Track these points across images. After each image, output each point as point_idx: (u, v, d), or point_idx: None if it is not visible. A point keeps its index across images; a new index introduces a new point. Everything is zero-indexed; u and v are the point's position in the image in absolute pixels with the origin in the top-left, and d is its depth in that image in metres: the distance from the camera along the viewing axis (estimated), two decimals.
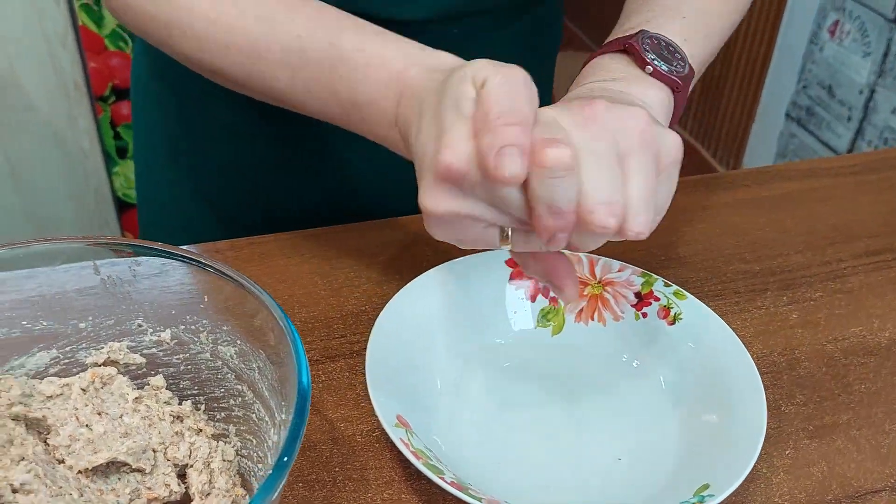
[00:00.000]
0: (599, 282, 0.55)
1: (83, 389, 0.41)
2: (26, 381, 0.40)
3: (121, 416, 0.41)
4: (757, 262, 0.63)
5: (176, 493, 0.40)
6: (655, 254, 0.62)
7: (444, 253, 0.58)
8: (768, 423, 0.44)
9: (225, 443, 0.42)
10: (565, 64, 0.78)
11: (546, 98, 0.76)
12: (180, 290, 0.43)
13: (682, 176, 0.43)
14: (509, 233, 0.40)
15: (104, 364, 0.43)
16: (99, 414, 0.40)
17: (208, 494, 0.40)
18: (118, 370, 0.43)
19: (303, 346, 0.37)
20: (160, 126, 0.73)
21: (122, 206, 1.68)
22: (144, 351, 0.44)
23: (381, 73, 0.45)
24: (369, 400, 0.44)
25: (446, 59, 0.44)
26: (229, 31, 0.49)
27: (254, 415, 0.42)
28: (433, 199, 0.38)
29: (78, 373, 0.42)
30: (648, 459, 0.46)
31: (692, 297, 0.53)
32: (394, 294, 0.51)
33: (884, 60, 1.55)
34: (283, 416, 0.38)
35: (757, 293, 0.59)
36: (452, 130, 0.37)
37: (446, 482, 0.40)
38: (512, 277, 0.55)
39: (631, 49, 0.49)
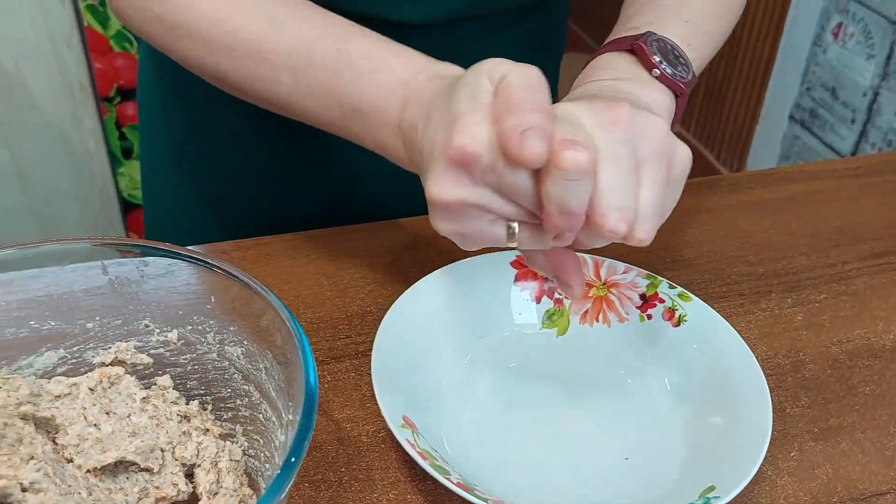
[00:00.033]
0: (604, 283, 0.55)
1: (91, 389, 0.41)
2: (34, 381, 0.41)
3: (128, 416, 0.41)
4: (761, 264, 0.63)
5: (184, 492, 0.40)
6: (660, 255, 0.62)
7: (449, 254, 0.58)
8: (773, 425, 0.44)
9: (232, 443, 0.42)
10: (569, 65, 0.79)
11: (552, 100, 0.76)
12: (187, 291, 0.43)
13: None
14: (516, 229, 0.39)
15: (112, 364, 0.43)
16: (107, 413, 0.41)
17: (216, 494, 0.40)
18: (125, 370, 0.43)
19: (310, 347, 0.37)
20: (165, 129, 0.73)
21: (126, 206, 1.68)
22: (151, 351, 0.44)
23: (388, 79, 0.45)
24: (374, 400, 0.44)
25: (453, 69, 0.44)
26: (235, 32, 0.49)
27: (261, 415, 0.42)
28: (441, 187, 0.38)
29: (86, 372, 0.42)
30: (654, 461, 0.46)
31: (697, 298, 0.53)
32: (399, 295, 0.51)
33: (887, 63, 1.55)
34: (291, 416, 0.38)
35: (761, 295, 0.60)
36: (467, 116, 0.37)
37: (453, 483, 0.40)
38: (517, 279, 0.55)
39: (638, 50, 0.49)
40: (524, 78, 0.37)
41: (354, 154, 0.49)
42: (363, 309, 0.56)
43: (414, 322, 0.50)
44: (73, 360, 0.43)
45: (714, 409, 0.47)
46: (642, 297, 0.54)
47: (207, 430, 0.43)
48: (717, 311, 0.52)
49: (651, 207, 0.38)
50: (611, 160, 0.37)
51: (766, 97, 1.92)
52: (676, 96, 0.49)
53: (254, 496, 0.40)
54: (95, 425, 0.40)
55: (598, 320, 0.54)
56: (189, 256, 0.42)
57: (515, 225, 0.39)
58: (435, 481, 0.42)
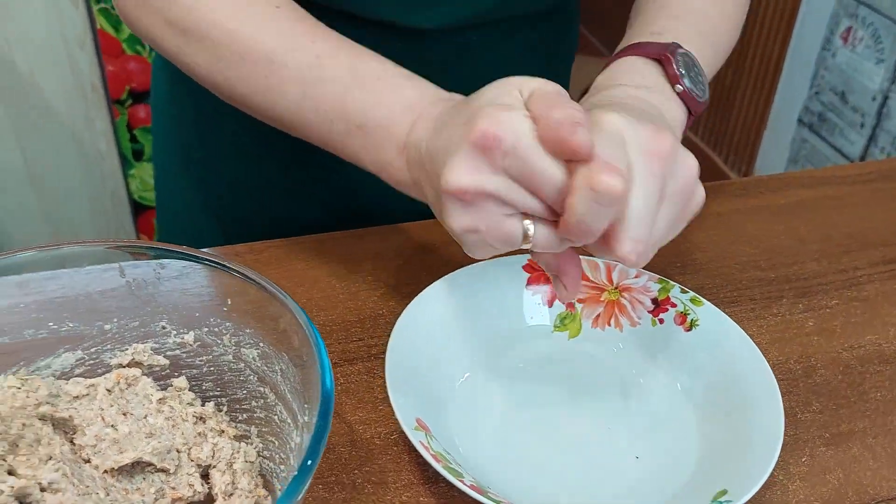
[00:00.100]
0: (616, 287, 0.55)
1: (108, 390, 0.42)
2: (53, 382, 0.41)
3: (145, 417, 0.42)
4: (772, 269, 0.63)
5: (199, 493, 0.41)
6: (671, 260, 0.62)
7: (459, 258, 0.58)
8: (784, 429, 0.44)
9: (247, 444, 0.43)
10: (577, 69, 0.79)
11: None
12: (204, 293, 0.44)
13: None
14: (531, 230, 0.39)
15: (129, 365, 0.44)
16: (124, 414, 0.41)
17: (231, 495, 0.40)
18: (142, 371, 0.43)
19: (326, 350, 0.38)
20: (175, 132, 0.74)
21: (137, 208, 1.69)
22: (168, 353, 0.45)
23: (398, 98, 0.46)
24: (387, 403, 0.44)
25: (461, 97, 0.45)
26: (247, 42, 0.49)
27: (276, 417, 0.42)
28: (459, 173, 0.37)
29: (103, 374, 0.43)
30: (666, 465, 0.46)
31: (709, 303, 0.53)
32: (411, 298, 0.51)
33: None
34: (306, 418, 0.38)
35: (773, 300, 0.60)
36: (490, 106, 0.38)
37: (466, 485, 0.40)
38: (529, 282, 0.55)
39: (665, 61, 0.49)
40: (557, 87, 0.39)
41: (360, 172, 0.50)
42: (375, 312, 0.56)
43: (427, 325, 0.51)
44: (91, 362, 0.44)
45: (726, 413, 0.48)
46: (654, 301, 0.54)
47: (223, 431, 0.43)
48: (729, 316, 0.52)
49: (660, 240, 0.39)
50: (642, 192, 0.37)
51: (774, 101, 1.92)
52: (689, 113, 0.50)
53: (269, 497, 0.41)
54: (113, 426, 0.40)
55: (609, 324, 0.55)
56: (206, 259, 0.42)
57: (532, 226, 0.39)
58: (448, 484, 0.43)
